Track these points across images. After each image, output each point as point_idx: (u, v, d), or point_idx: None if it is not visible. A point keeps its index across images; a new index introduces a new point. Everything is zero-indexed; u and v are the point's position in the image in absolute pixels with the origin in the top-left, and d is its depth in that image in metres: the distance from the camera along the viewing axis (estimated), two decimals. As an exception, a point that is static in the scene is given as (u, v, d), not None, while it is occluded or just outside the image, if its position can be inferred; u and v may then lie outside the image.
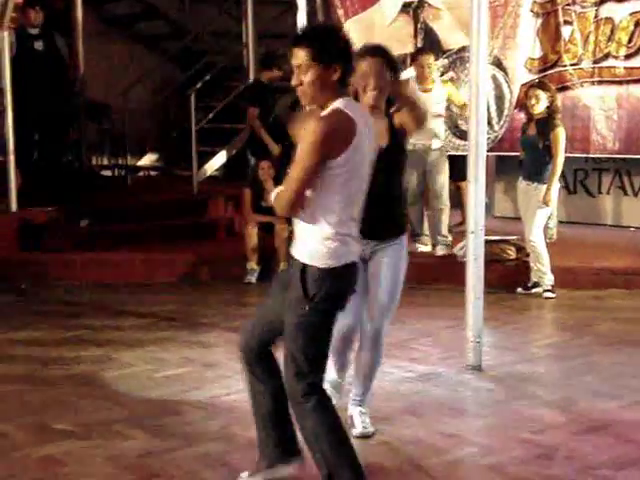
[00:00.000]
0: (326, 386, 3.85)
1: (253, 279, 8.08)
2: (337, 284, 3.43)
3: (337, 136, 3.31)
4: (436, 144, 8.14)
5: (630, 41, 7.96)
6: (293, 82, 3.42)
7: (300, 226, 3.47)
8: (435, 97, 8.11)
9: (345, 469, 3.39)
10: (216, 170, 11.11)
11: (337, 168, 3.32)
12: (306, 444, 3.49)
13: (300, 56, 3.36)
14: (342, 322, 3.94)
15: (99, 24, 11.83)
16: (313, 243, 3.42)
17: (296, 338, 3.42)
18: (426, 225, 8.38)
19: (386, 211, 4.23)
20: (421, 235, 8.34)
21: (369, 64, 4.12)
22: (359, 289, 3.75)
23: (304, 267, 3.42)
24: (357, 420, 4.37)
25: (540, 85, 7.50)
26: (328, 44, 3.38)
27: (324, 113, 3.38)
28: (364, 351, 4.37)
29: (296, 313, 3.43)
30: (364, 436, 4.30)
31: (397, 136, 4.24)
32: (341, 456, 3.40)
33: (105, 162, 11.98)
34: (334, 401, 3.81)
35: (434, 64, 8.21)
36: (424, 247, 8.32)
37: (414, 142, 8.00)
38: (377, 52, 4.19)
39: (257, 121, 9.12)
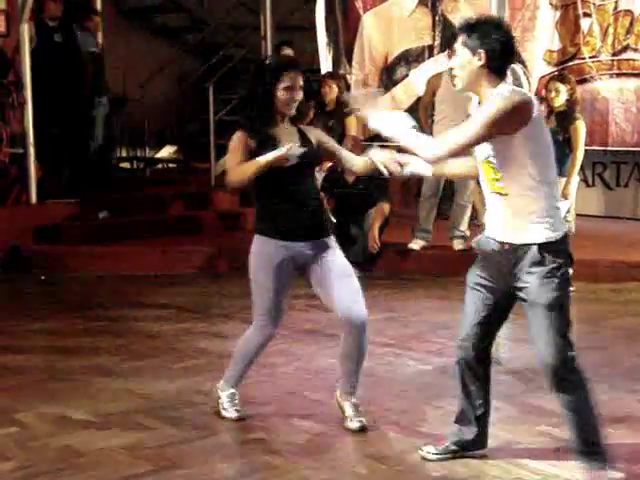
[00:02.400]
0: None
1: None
2: (568, 250, 3.61)
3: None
4: None
5: (649, 33, 7.93)
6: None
7: (513, 203, 3.54)
8: (467, 94, 7.95)
9: (601, 440, 3.64)
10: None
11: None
12: (573, 418, 3.63)
13: (457, 41, 3.62)
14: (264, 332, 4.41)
15: (118, 16, 11.87)
16: (539, 220, 3.54)
17: (551, 319, 3.54)
18: (431, 223, 8.27)
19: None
20: (420, 232, 8.23)
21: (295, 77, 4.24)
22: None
23: (541, 246, 3.52)
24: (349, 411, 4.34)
25: (560, 78, 7.46)
26: (473, 31, 3.56)
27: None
28: (353, 342, 4.31)
29: (544, 294, 3.54)
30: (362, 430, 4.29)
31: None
32: (598, 426, 3.64)
33: (124, 154, 12.03)
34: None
35: None
36: (415, 246, 8.23)
37: None
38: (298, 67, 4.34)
39: None
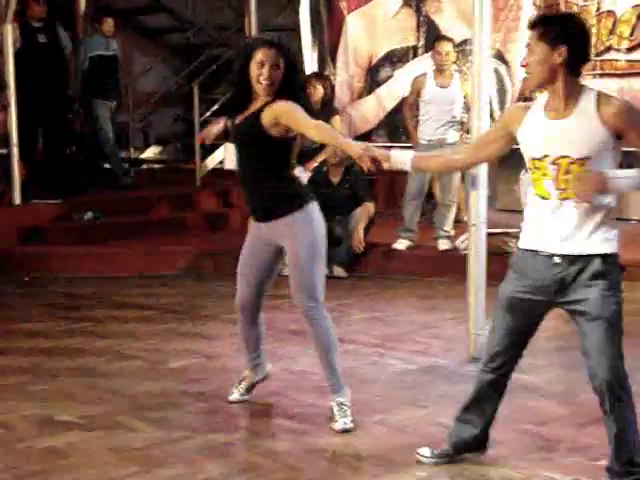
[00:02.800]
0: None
1: (256, 272, 8.08)
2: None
3: None
4: (452, 138, 8.03)
5: (632, 34, 7.98)
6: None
7: (591, 209, 3.44)
8: (451, 95, 7.96)
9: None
10: (219, 163, 11.12)
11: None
12: (618, 437, 3.53)
13: (532, 37, 3.46)
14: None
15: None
16: (610, 228, 3.49)
17: (612, 333, 3.49)
18: (415, 223, 8.24)
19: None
20: (405, 232, 8.21)
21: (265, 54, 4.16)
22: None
23: (606, 256, 3.45)
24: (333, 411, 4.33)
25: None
26: (554, 24, 3.43)
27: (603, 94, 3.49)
28: (312, 335, 4.50)
29: (607, 307, 3.48)
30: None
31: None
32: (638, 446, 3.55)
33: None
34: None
35: (453, 53, 8.01)
36: (400, 246, 8.23)
37: (429, 138, 7.99)
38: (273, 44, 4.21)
39: None
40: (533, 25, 3.48)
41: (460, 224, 8.15)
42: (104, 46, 9.87)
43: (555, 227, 3.48)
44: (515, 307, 3.62)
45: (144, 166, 12.24)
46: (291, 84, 4.23)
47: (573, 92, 3.44)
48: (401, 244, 8.20)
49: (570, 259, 3.46)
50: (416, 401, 4.75)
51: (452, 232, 8.19)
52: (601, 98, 3.43)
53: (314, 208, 4.35)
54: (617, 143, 3.45)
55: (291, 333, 6.16)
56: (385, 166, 3.89)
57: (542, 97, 3.54)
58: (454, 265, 7.49)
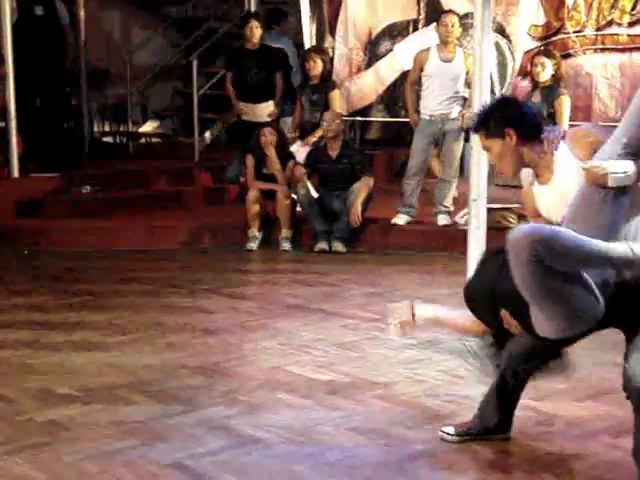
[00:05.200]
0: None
1: (254, 246, 8.09)
2: None
3: None
4: (455, 113, 7.96)
5: (634, 8, 7.91)
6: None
7: None
8: (455, 70, 7.93)
9: None
10: (218, 137, 11.09)
11: None
12: None
13: (480, 140, 3.63)
14: None
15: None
16: None
17: None
18: (415, 198, 8.20)
19: None
20: (404, 207, 8.17)
21: None
22: None
23: None
24: None
25: (546, 52, 7.47)
26: (490, 119, 3.55)
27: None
28: None
29: None
30: None
31: None
32: None
33: (107, 128, 11.96)
34: None
35: (457, 28, 7.97)
36: (399, 221, 8.20)
37: (431, 113, 7.96)
38: None
39: (229, 86, 9.15)
40: (476, 130, 3.67)
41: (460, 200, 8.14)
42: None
43: None
44: None
45: (142, 140, 12.21)
46: None
47: (544, 154, 3.58)
48: (400, 219, 8.19)
49: None
50: (416, 376, 4.76)
51: (451, 207, 8.17)
52: (571, 144, 3.55)
53: None
54: None
55: (290, 308, 6.17)
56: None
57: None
58: (453, 240, 7.49)
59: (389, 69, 9.76)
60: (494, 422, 3.88)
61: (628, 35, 7.93)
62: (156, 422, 4.12)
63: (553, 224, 3.50)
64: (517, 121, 3.58)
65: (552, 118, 7.20)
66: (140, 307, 6.21)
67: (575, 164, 3.46)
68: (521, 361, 3.72)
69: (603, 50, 8.09)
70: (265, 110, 8.97)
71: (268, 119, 8.84)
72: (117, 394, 4.49)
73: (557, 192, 3.56)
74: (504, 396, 3.85)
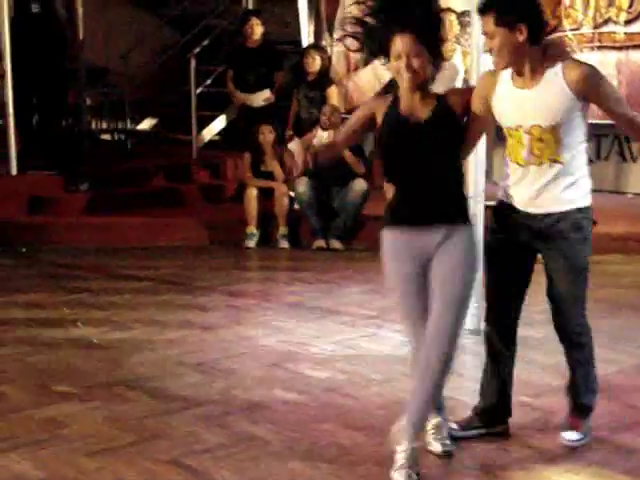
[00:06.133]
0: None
1: (252, 243, 8.10)
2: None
3: None
4: None
5: (630, 6, 7.93)
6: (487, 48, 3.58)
7: (564, 170, 3.57)
8: (453, 68, 7.90)
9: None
10: (216, 135, 11.09)
11: None
12: (581, 370, 3.82)
13: (486, 23, 3.48)
14: None
15: (98, -13, 11.76)
16: (581, 186, 3.62)
17: (579, 280, 3.66)
18: None
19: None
20: None
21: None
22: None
23: (579, 210, 3.60)
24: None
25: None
26: (508, 6, 3.42)
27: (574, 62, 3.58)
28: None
29: (577, 258, 3.64)
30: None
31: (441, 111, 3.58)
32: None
33: (105, 126, 11.96)
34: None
35: (455, 26, 7.95)
36: None
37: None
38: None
39: (230, 83, 9.22)
40: (484, 11, 3.50)
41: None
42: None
43: (531, 189, 3.63)
44: (503, 257, 3.77)
45: (140, 137, 12.19)
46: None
47: (539, 61, 3.53)
48: None
49: (545, 215, 3.63)
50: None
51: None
52: (565, 63, 3.53)
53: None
54: (584, 107, 3.56)
55: (288, 305, 6.18)
56: None
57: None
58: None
59: (386, 67, 9.75)
60: (493, 402, 3.93)
61: (625, 33, 7.95)
62: (154, 419, 4.13)
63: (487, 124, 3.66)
64: (533, 19, 3.46)
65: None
66: (138, 304, 6.21)
67: (562, 84, 3.49)
68: (502, 314, 3.84)
69: (600, 48, 8.11)
70: (261, 96, 9.05)
71: (263, 103, 8.92)
72: (115, 391, 4.50)
73: (532, 98, 3.53)
74: (498, 368, 3.91)
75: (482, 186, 5.43)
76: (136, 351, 5.17)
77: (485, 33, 3.56)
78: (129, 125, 11.83)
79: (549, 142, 3.56)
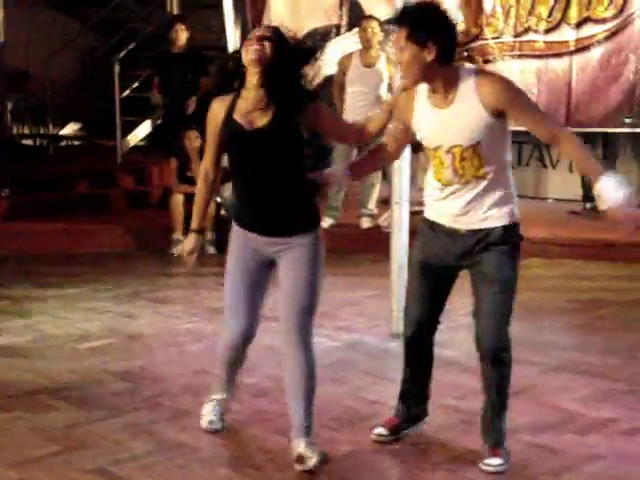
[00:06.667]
0: (210, 408, 4.03)
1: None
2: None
3: None
4: None
5: (550, 15, 8.10)
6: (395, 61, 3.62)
7: (489, 186, 3.55)
8: (376, 75, 8.01)
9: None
10: (141, 140, 10.99)
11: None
12: (495, 390, 3.74)
13: (398, 36, 3.43)
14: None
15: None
16: (508, 201, 3.61)
17: (504, 298, 3.63)
18: (339, 201, 8.26)
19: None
20: (329, 210, 8.20)
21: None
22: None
23: (505, 227, 3.60)
24: (308, 452, 3.64)
25: (468, 58, 7.60)
26: (419, 23, 3.37)
27: (483, 73, 3.60)
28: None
29: (503, 274, 3.62)
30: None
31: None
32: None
33: (26, 131, 11.75)
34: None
35: (379, 33, 8.06)
36: (324, 224, 8.20)
37: (354, 117, 8.02)
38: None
39: (155, 90, 9.11)
40: (399, 22, 3.45)
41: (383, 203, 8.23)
42: None
43: (455, 207, 3.61)
44: (426, 271, 3.77)
45: (63, 143, 12.02)
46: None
47: (451, 79, 3.47)
48: (325, 222, 8.23)
49: (471, 232, 3.61)
50: (340, 377, 4.81)
51: (375, 211, 8.26)
52: (479, 80, 3.46)
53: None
54: (503, 122, 3.50)
55: (215, 311, 6.15)
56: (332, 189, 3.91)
57: (423, 85, 3.56)
58: (377, 243, 7.55)
59: (312, 73, 9.80)
60: (417, 410, 3.99)
61: (544, 42, 8.12)
62: (79, 428, 4.08)
63: (421, 146, 3.64)
64: (443, 40, 3.41)
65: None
66: (62, 312, 6.12)
67: (476, 102, 3.43)
68: (421, 321, 3.84)
69: (521, 56, 8.26)
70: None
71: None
72: (39, 400, 4.43)
73: (449, 118, 3.48)
74: (417, 373, 3.96)
75: (407, 192, 5.50)
76: (60, 359, 5.09)
77: (396, 45, 3.48)
78: (51, 130, 11.65)
79: (472, 160, 3.51)
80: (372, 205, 8.26)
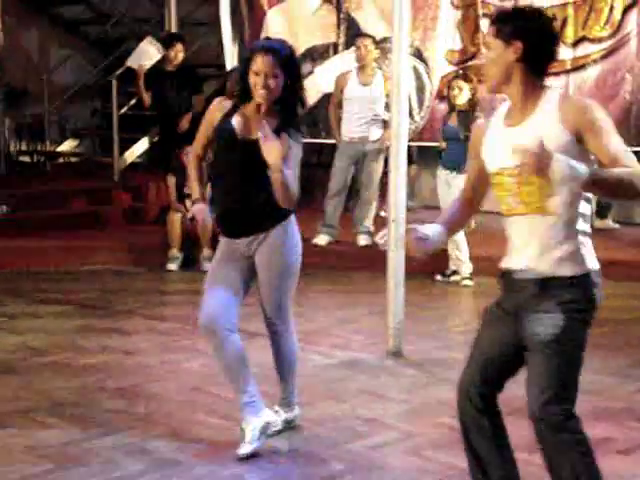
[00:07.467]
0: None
1: (175, 266, 8.04)
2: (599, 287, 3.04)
3: None
4: (374, 136, 8.09)
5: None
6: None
7: (552, 225, 3.03)
8: (373, 93, 8.02)
9: None
10: (138, 157, 11.00)
11: None
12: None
13: (489, 32, 3.12)
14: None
15: (18, 8, 11.60)
16: (573, 244, 3.03)
17: (557, 362, 3.10)
18: (337, 219, 8.28)
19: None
20: (326, 227, 8.24)
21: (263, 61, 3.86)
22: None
23: (571, 279, 3.01)
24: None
25: (464, 76, 7.62)
26: (509, 18, 3.06)
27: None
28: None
29: (562, 336, 3.03)
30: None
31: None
32: None
33: (24, 148, 11.78)
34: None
35: (373, 50, 8.09)
36: (320, 241, 8.22)
37: (351, 135, 8.07)
38: (270, 50, 3.94)
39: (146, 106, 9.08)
40: (492, 21, 3.11)
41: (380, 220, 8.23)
42: None
43: (521, 244, 3.18)
44: (498, 325, 3.24)
45: (60, 159, 12.04)
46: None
47: (533, 93, 3.03)
48: (322, 239, 8.24)
49: (533, 280, 3.07)
50: (336, 395, 4.79)
51: (372, 228, 8.26)
52: (563, 97, 3.05)
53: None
54: (584, 152, 2.95)
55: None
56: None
57: (504, 105, 3.16)
58: (374, 260, 7.55)
59: (309, 91, 9.84)
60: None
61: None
62: (73, 446, 4.06)
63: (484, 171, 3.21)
64: (529, 39, 3.00)
65: (468, 141, 7.32)
66: (57, 329, 6.11)
67: (556, 119, 2.97)
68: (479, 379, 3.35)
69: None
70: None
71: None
72: (33, 418, 4.41)
73: (521, 136, 2.98)
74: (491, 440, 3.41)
75: (403, 210, 5.50)
76: (56, 377, 5.08)
77: (486, 46, 3.28)
78: (49, 147, 11.67)
79: (543, 187, 2.97)
80: (369, 223, 8.26)
